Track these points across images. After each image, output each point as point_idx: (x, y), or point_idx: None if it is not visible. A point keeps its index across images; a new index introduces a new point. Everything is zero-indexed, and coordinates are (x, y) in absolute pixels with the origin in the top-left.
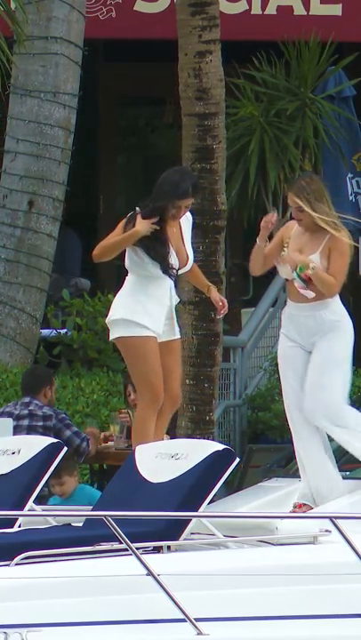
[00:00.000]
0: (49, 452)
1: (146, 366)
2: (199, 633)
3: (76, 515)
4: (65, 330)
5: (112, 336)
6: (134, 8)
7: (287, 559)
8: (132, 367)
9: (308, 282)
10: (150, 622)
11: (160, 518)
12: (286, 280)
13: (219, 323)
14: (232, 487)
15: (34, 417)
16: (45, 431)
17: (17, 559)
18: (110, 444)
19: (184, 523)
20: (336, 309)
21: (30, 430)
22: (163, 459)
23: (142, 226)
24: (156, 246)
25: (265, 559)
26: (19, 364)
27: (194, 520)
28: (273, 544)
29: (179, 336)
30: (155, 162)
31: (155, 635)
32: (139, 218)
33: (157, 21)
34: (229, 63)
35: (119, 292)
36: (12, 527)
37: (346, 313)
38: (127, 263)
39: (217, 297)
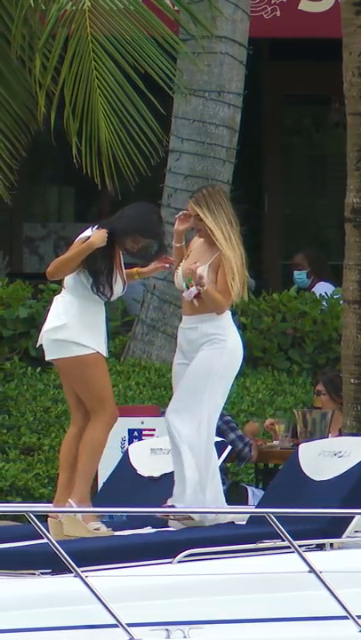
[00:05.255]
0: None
1: (108, 384)
2: None
3: (240, 512)
4: None
5: (67, 354)
6: (299, 7)
7: None
8: (93, 384)
9: (197, 294)
10: (313, 619)
11: (323, 515)
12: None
13: None
14: None
15: None
16: None
17: (179, 556)
18: (275, 442)
19: (347, 520)
20: (220, 324)
21: None
22: (326, 456)
23: (97, 237)
24: (103, 272)
25: None
26: None
27: (357, 518)
28: None
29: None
30: (320, 161)
31: (317, 632)
32: (95, 231)
33: (322, 20)
34: None
35: (68, 314)
36: None
37: (232, 331)
38: (72, 283)
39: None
